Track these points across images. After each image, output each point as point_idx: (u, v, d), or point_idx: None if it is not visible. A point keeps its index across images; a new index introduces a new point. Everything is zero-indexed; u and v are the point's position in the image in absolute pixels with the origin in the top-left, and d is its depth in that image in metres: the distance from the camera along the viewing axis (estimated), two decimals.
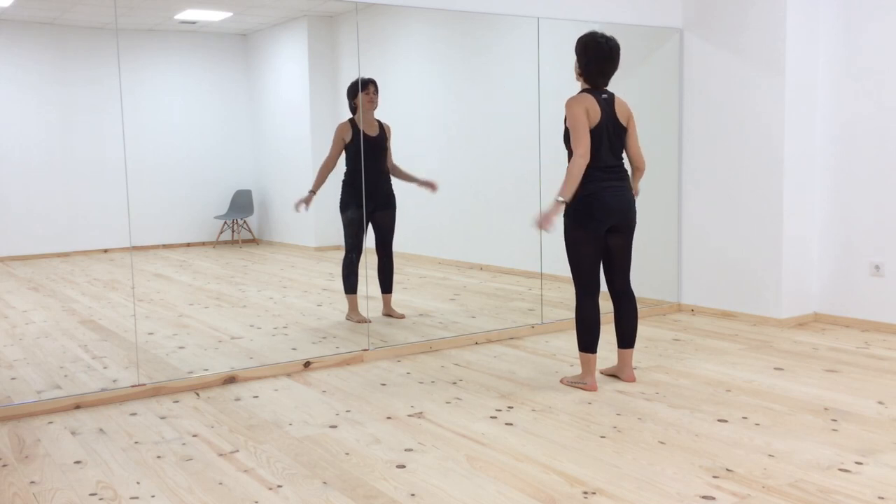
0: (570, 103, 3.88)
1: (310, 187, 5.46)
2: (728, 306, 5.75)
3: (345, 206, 5.51)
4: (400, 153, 5.66)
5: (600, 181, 3.91)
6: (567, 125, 3.90)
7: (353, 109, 5.51)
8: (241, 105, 8.83)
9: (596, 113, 3.87)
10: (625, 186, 3.99)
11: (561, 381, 4.18)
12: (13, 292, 6.86)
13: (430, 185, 5.65)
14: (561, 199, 3.82)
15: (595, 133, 3.88)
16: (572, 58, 4.10)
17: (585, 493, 2.80)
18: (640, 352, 4.80)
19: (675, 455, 3.13)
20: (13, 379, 4.34)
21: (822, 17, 5.40)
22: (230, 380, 4.30)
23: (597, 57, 3.90)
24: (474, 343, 5.11)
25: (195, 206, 8.78)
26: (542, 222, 3.82)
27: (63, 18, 8.31)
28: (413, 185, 5.73)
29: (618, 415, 3.64)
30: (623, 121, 3.98)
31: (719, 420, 3.54)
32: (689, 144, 5.92)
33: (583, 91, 3.95)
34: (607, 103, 3.93)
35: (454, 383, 4.21)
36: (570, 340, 5.15)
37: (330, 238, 7.46)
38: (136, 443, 3.39)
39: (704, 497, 2.75)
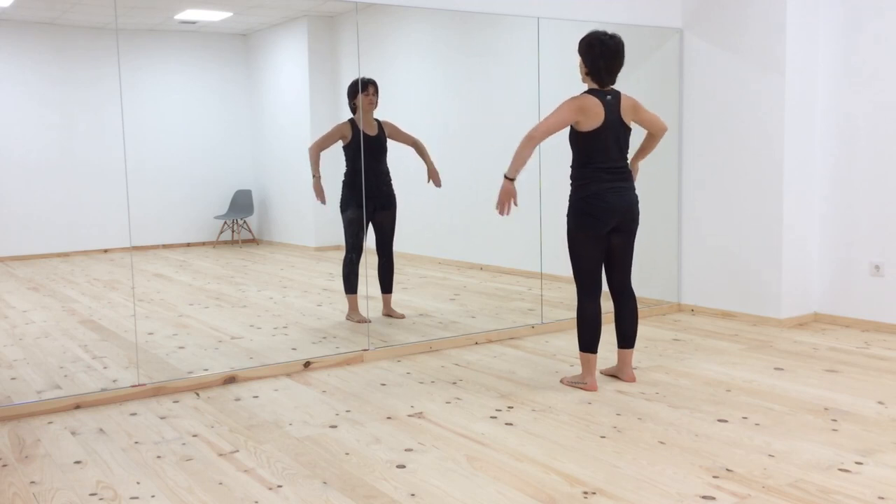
0: (569, 99, 3.88)
1: (311, 179, 5.44)
2: (728, 306, 5.75)
3: (345, 206, 5.51)
4: (400, 153, 5.66)
5: (604, 182, 3.91)
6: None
7: (353, 109, 5.51)
8: (241, 105, 8.83)
9: (598, 116, 3.86)
10: (628, 187, 3.99)
11: (561, 381, 4.18)
12: (13, 292, 6.86)
13: (435, 180, 5.63)
14: (508, 176, 3.84)
15: (599, 134, 3.87)
16: (572, 58, 4.10)
17: (585, 493, 2.80)
18: (640, 352, 4.80)
19: (675, 455, 3.13)
20: (13, 379, 4.34)
21: (822, 17, 5.40)
22: (230, 380, 4.30)
23: (603, 54, 3.88)
24: (474, 343, 5.11)
25: (195, 206, 8.78)
26: (500, 206, 3.86)
27: (63, 18, 8.30)
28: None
29: (618, 415, 3.64)
30: (628, 119, 3.97)
31: (719, 420, 3.54)
32: (689, 144, 5.92)
33: (588, 91, 3.94)
34: (612, 104, 3.91)
35: (454, 383, 4.21)
36: (570, 340, 5.15)
37: (330, 238, 7.46)
38: (136, 443, 3.39)
39: (704, 497, 2.75)
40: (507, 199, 3.85)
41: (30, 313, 6.07)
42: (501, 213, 3.87)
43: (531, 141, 3.80)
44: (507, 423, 3.55)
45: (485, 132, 6.77)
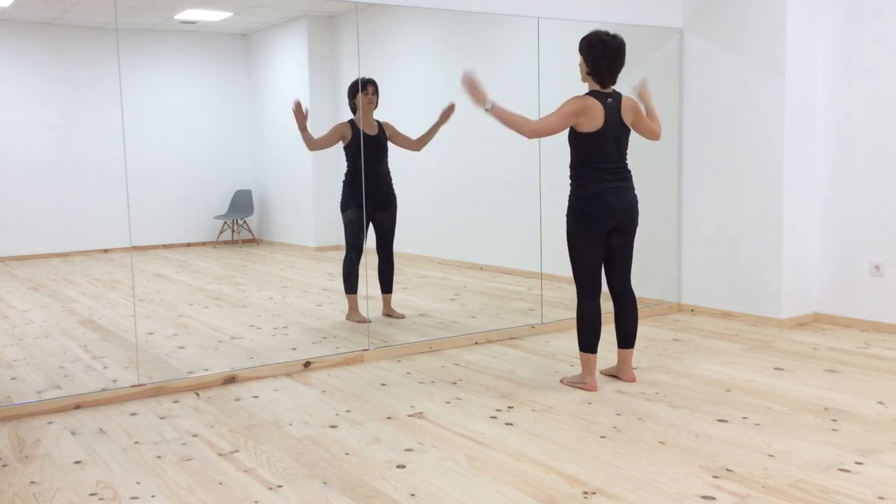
0: (570, 99, 3.87)
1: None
2: (728, 306, 5.75)
3: (345, 206, 5.51)
4: (400, 152, 5.66)
5: (603, 182, 3.91)
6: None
7: (353, 109, 5.51)
8: (241, 105, 8.84)
9: (599, 117, 3.85)
10: (628, 187, 3.99)
11: (561, 381, 4.18)
12: (13, 292, 6.86)
13: (448, 112, 5.54)
14: (488, 106, 3.87)
15: (599, 136, 3.87)
16: (572, 58, 4.10)
17: (585, 493, 2.80)
18: (640, 352, 4.80)
19: (674, 455, 3.13)
20: (13, 379, 4.34)
21: (822, 16, 5.40)
22: (230, 380, 4.30)
23: (605, 55, 3.88)
24: (474, 343, 5.11)
25: (195, 206, 8.79)
26: (470, 85, 3.91)
27: (63, 18, 8.31)
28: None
29: (618, 415, 3.64)
30: (628, 121, 3.97)
31: (719, 420, 3.54)
32: (689, 144, 5.92)
33: (590, 92, 3.94)
34: (613, 107, 3.91)
35: (454, 383, 4.21)
36: (570, 340, 5.15)
37: (330, 238, 7.46)
38: (136, 443, 3.39)
39: (704, 497, 2.75)
40: (469, 88, 3.91)
41: (30, 313, 6.07)
42: (465, 85, 3.94)
43: (523, 134, 3.83)
44: (507, 423, 3.55)
45: (485, 132, 6.76)
